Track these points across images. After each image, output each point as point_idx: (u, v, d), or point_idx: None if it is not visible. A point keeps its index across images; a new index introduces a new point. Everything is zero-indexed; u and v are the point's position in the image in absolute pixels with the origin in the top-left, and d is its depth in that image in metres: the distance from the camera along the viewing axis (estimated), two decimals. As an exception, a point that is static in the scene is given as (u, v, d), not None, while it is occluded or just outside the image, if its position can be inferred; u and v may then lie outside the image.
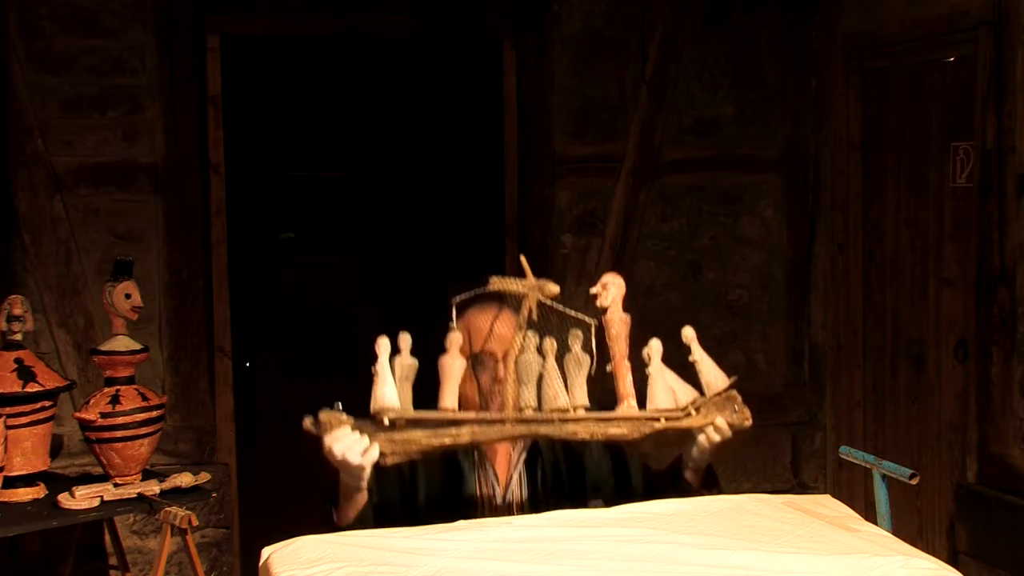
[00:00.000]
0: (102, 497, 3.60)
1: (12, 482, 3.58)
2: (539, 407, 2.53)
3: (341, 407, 2.48)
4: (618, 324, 2.63)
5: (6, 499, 3.56)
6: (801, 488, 4.97)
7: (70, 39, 4.20)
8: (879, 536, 2.53)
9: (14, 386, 3.57)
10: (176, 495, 3.66)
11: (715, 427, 2.62)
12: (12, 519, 3.47)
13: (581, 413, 2.56)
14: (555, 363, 2.56)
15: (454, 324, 2.52)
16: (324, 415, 2.47)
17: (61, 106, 4.21)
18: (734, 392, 2.69)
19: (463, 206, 4.93)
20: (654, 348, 2.65)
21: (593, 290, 2.59)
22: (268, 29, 4.47)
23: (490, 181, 4.82)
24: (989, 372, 4.03)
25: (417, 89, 4.74)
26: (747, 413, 2.67)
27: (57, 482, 3.74)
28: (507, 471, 2.79)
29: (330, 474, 2.60)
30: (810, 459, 5.06)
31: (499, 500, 2.76)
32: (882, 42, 4.60)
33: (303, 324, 4.79)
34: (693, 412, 2.65)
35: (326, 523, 2.69)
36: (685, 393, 2.67)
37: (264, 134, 4.64)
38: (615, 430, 2.59)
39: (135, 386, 3.76)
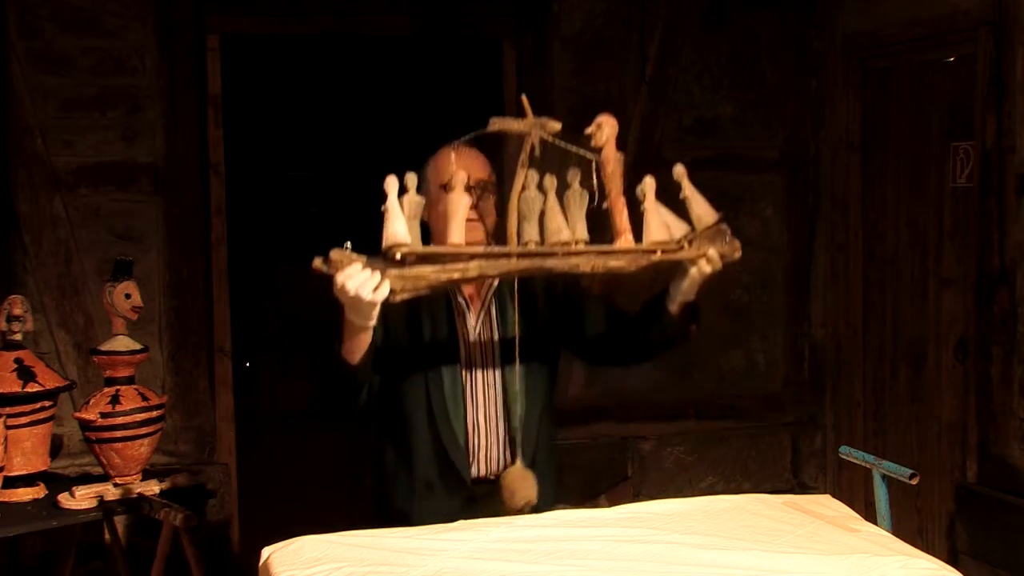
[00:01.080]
0: (102, 497, 3.61)
1: (12, 482, 3.58)
2: (542, 242, 2.63)
3: (351, 246, 2.51)
4: (613, 162, 2.71)
5: (6, 499, 3.56)
6: (801, 488, 4.97)
7: (70, 39, 4.20)
8: (879, 536, 2.53)
9: (14, 386, 3.57)
10: (176, 495, 3.67)
11: (707, 258, 2.78)
12: (12, 519, 3.47)
13: (582, 247, 2.66)
14: (556, 199, 2.65)
15: (454, 164, 2.64)
16: (335, 253, 2.49)
17: (61, 106, 4.21)
18: (724, 226, 2.81)
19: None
20: (648, 185, 2.77)
21: (588, 130, 2.68)
22: (268, 29, 4.47)
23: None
24: (989, 372, 4.03)
25: (417, 89, 4.73)
26: (737, 244, 2.81)
27: (57, 482, 3.74)
28: (479, 300, 2.95)
29: (337, 313, 2.64)
30: (810, 459, 5.06)
31: (472, 323, 2.93)
32: (882, 42, 4.60)
33: (303, 324, 4.78)
34: (686, 245, 2.78)
35: (334, 361, 2.76)
36: (678, 228, 2.79)
37: (264, 134, 4.64)
38: (615, 262, 2.70)
39: (135, 386, 3.76)
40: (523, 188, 2.63)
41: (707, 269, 2.78)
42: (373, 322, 2.60)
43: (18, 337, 3.68)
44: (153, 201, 4.33)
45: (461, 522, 2.66)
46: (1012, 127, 3.92)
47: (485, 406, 2.93)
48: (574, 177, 2.69)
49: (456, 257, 2.58)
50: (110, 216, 4.29)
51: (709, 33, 4.83)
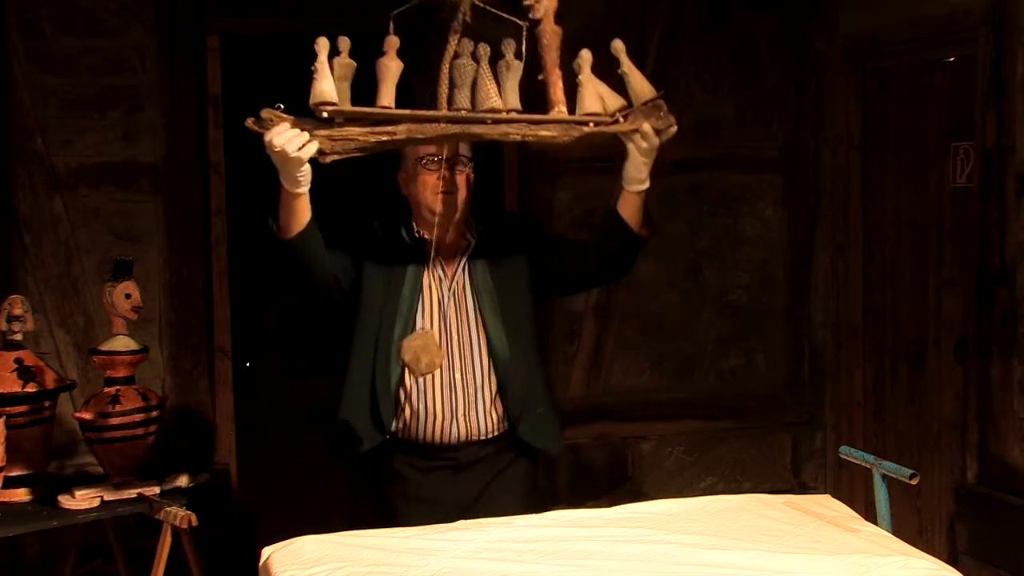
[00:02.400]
0: (102, 497, 3.61)
1: (12, 482, 3.59)
2: (472, 110, 2.67)
3: (282, 107, 2.57)
4: (550, 35, 2.75)
5: (6, 499, 3.57)
6: (801, 488, 4.96)
7: (70, 39, 4.20)
8: (879, 536, 2.54)
9: (14, 386, 3.58)
10: (176, 495, 3.67)
11: (641, 132, 2.80)
12: (12, 519, 3.48)
13: (513, 115, 2.69)
14: (489, 68, 2.69)
15: (391, 30, 2.68)
16: (266, 112, 2.57)
17: (61, 106, 4.21)
18: (660, 102, 2.83)
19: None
20: (584, 58, 2.80)
21: (526, 1, 2.72)
22: (268, 29, 4.46)
23: (490, 181, 4.81)
24: (989, 372, 4.03)
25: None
26: (672, 120, 2.84)
27: (57, 482, 3.74)
28: (452, 264, 3.03)
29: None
30: (810, 459, 5.06)
31: (446, 288, 3.00)
32: (882, 42, 4.59)
33: (303, 324, 4.78)
34: (620, 119, 2.80)
35: (268, 235, 2.83)
36: (614, 102, 2.81)
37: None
38: (545, 132, 2.72)
39: (135, 386, 3.76)
40: (455, 55, 2.65)
41: (642, 144, 2.80)
42: (302, 187, 2.69)
43: (18, 337, 3.69)
44: (153, 201, 4.33)
45: (462, 522, 2.67)
46: (1012, 127, 3.91)
47: (462, 369, 2.96)
48: (508, 48, 2.71)
49: (385, 119, 2.61)
50: (110, 216, 4.29)
51: (709, 33, 4.82)
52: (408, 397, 2.95)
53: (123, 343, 3.74)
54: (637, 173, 2.90)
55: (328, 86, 2.56)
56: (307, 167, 2.64)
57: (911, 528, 4.41)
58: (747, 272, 4.96)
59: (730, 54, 4.85)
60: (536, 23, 2.73)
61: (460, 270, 3.02)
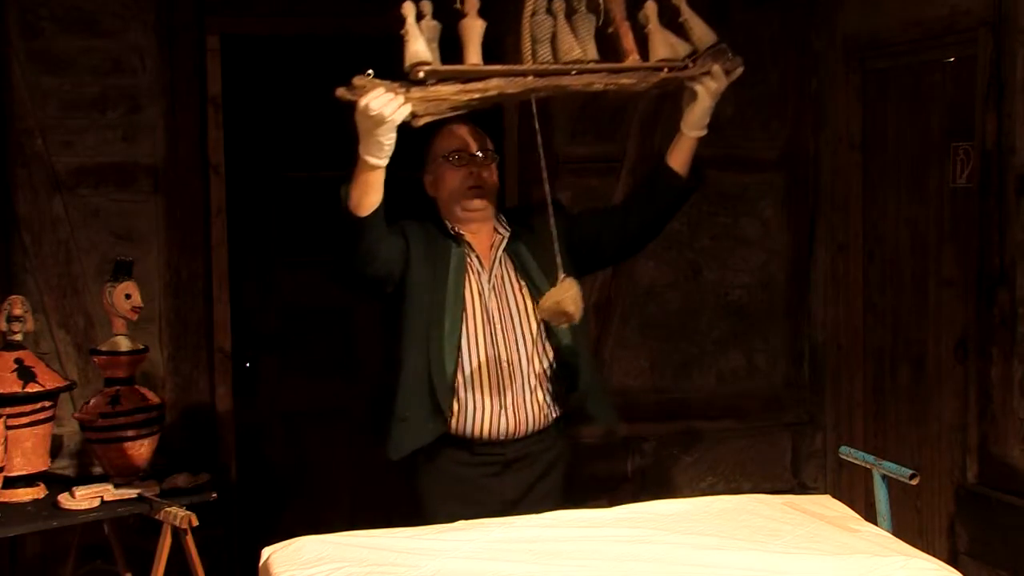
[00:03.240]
0: (102, 497, 3.62)
1: (12, 482, 3.59)
2: (555, 62, 2.75)
3: (372, 73, 2.59)
4: None
5: (6, 499, 3.57)
6: (801, 488, 4.96)
7: (70, 39, 4.20)
8: (879, 536, 2.54)
9: (14, 386, 3.58)
10: (176, 495, 3.67)
11: (712, 73, 2.92)
12: (12, 519, 3.48)
13: (594, 65, 2.79)
14: (566, 21, 2.78)
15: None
16: (358, 79, 2.59)
17: (61, 106, 4.21)
18: (724, 45, 2.96)
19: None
20: (650, 8, 2.92)
21: None
22: (268, 29, 4.46)
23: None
24: (989, 372, 4.03)
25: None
26: (739, 60, 2.97)
27: (57, 482, 3.75)
28: (489, 258, 3.06)
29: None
30: (810, 459, 5.06)
31: (485, 281, 3.03)
32: (882, 42, 4.59)
33: (303, 324, 4.78)
34: (691, 63, 2.92)
35: (342, 213, 2.78)
36: (682, 48, 2.93)
37: (264, 135, 4.64)
38: (626, 80, 2.84)
39: (135, 386, 3.77)
40: (532, 12, 2.73)
41: (713, 85, 2.92)
42: (384, 158, 2.66)
43: (18, 337, 3.69)
44: (153, 201, 4.33)
45: (462, 522, 2.67)
46: (1012, 128, 3.91)
47: (508, 360, 2.98)
48: (580, 1, 2.80)
49: (476, 76, 2.67)
50: (110, 217, 4.29)
51: (710, 33, 4.82)
52: (459, 391, 2.97)
53: (123, 343, 3.74)
54: (702, 117, 3.00)
55: (421, 47, 2.60)
56: (393, 137, 2.64)
57: (911, 528, 4.40)
58: (747, 272, 4.96)
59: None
60: None
61: (497, 263, 3.05)
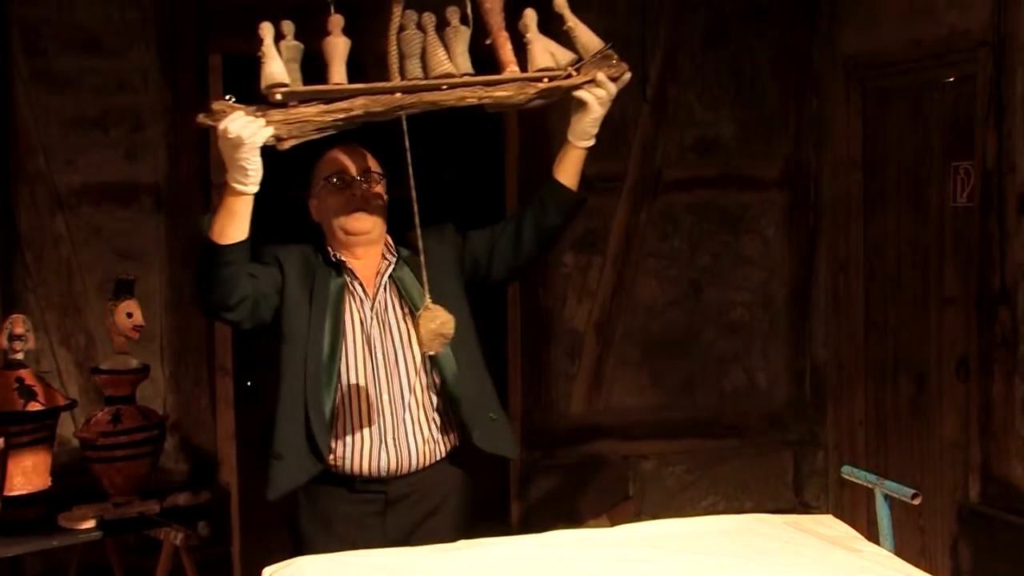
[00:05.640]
0: (102, 516, 3.60)
1: (13, 501, 3.57)
2: (425, 78, 2.62)
3: (233, 98, 2.52)
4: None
5: (7, 518, 3.55)
6: (803, 507, 4.95)
7: (73, 58, 4.20)
8: (881, 556, 2.53)
9: (15, 405, 3.57)
10: (176, 514, 3.66)
11: (596, 82, 2.76)
12: (13, 538, 3.46)
13: (467, 79, 2.66)
14: (436, 35, 2.66)
15: (332, 9, 2.62)
16: (216, 104, 2.51)
17: (63, 125, 4.21)
18: (610, 51, 2.80)
19: (464, 225, 4.91)
20: (529, 16, 2.78)
21: None
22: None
23: (491, 200, 4.82)
24: (991, 391, 4.02)
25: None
26: (625, 67, 2.80)
27: (58, 501, 3.73)
28: (373, 285, 2.90)
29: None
30: (812, 478, 5.05)
31: (368, 309, 2.88)
32: (882, 62, 4.60)
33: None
34: (573, 72, 2.76)
35: (201, 238, 2.72)
36: (564, 56, 2.78)
37: (265, 153, 4.62)
38: (501, 92, 2.69)
39: (136, 405, 3.76)
40: (401, 28, 2.62)
41: (599, 93, 2.77)
42: (251, 184, 2.62)
43: (20, 356, 3.68)
44: (155, 220, 4.33)
45: (463, 541, 2.65)
46: (1012, 146, 3.92)
47: (390, 392, 2.85)
48: (453, 14, 2.69)
49: (339, 95, 2.57)
50: (112, 235, 4.29)
51: (710, 52, 4.83)
52: (338, 425, 2.84)
53: (124, 362, 3.73)
54: (591, 127, 2.84)
55: (278, 68, 2.52)
56: (258, 162, 2.57)
57: (914, 548, 4.39)
58: (748, 290, 4.96)
59: (731, 73, 4.86)
60: None
61: (382, 290, 2.90)
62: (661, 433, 4.86)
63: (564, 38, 2.79)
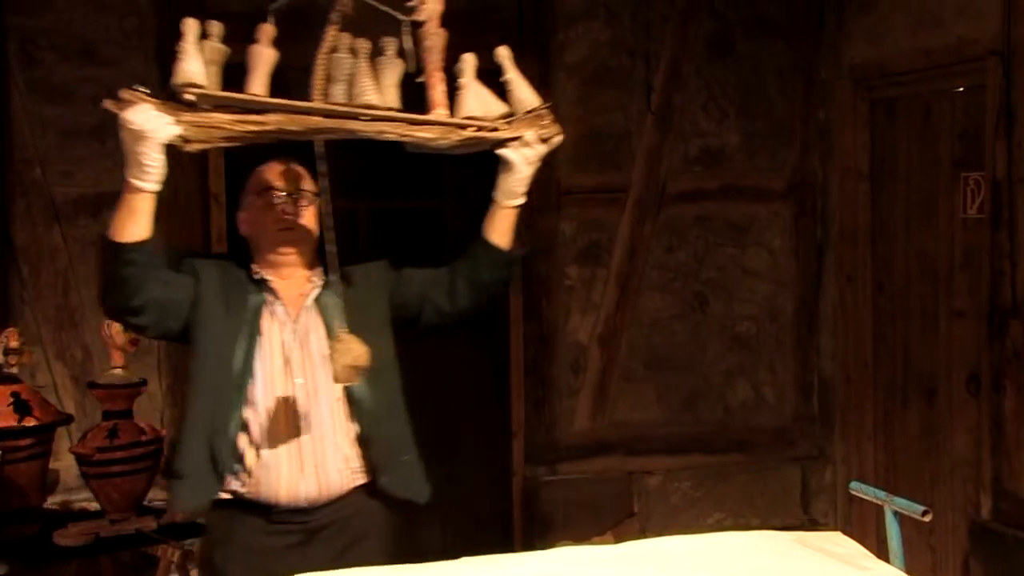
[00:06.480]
0: (98, 533, 3.58)
1: (7, 518, 3.56)
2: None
3: (146, 88, 2.44)
4: (433, 36, 2.63)
5: (1, 536, 3.52)
6: (811, 524, 4.91)
7: (70, 69, 4.19)
8: (891, 574, 2.48)
9: (10, 420, 3.56)
10: (173, 531, 3.62)
11: (524, 140, 2.68)
12: (7, 556, 3.44)
13: (392, 113, 2.58)
14: (368, 63, 2.58)
15: (269, 16, 2.54)
16: (126, 92, 2.43)
17: (61, 136, 4.20)
18: (545, 110, 2.73)
19: (467, 236, 4.88)
20: (467, 61, 2.70)
21: (410, 3, 2.61)
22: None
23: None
24: (1002, 406, 3.98)
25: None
26: (557, 128, 2.72)
27: (53, 518, 3.70)
28: (297, 307, 2.77)
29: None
30: (820, 494, 5.00)
31: (289, 332, 2.75)
32: (890, 72, 4.58)
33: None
34: (502, 126, 2.68)
35: (102, 237, 2.62)
36: (497, 108, 2.70)
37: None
38: (423, 133, 2.61)
39: (133, 419, 3.73)
40: (333, 49, 2.54)
41: (525, 152, 2.69)
42: (150, 182, 2.54)
43: (15, 370, 3.67)
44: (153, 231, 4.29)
45: (464, 559, 2.60)
46: (1022, 157, 3.88)
47: (307, 418, 2.71)
48: (389, 45, 2.61)
49: (254, 107, 2.49)
50: (109, 247, 4.26)
51: (715, 62, 4.81)
52: (250, 449, 2.70)
53: (121, 376, 3.71)
54: (517, 186, 2.75)
55: (194, 67, 2.45)
56: (160, 159, 2.49)
57: (924, 566, 4.35)
58: (754, 304, 4.93)
59: (737, 83, 4.84)
60: (421, 24, 2.62)
61: (305, 312, 2.77)
62: (666, 448, 4.83)
63: (504, 89, 2.72)
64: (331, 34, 2.54)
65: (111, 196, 4.18)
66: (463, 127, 2.64)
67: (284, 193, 2.79)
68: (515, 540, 4.67)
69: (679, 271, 4.82)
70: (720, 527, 4.72)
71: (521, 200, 2.78)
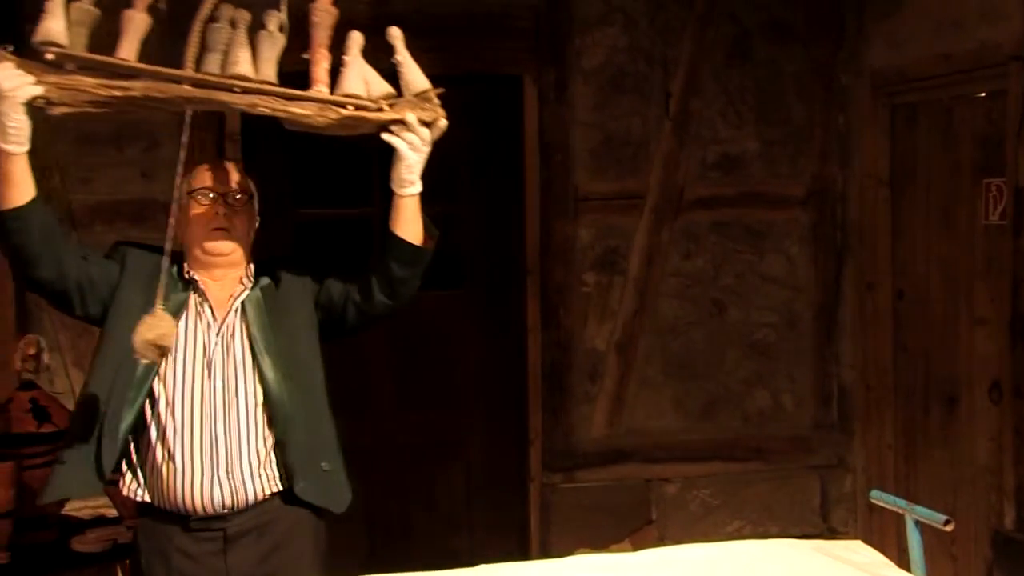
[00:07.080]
0: (115, 540, 3.57)
1: (25, 524, 3.55)
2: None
3: (12, 49, 2.36)
4: (322, 12, 2.57)
5: (19, 542, 3.52)
6: (831, 533, 4.88)
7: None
8: (914, 585, 2.45)
9: (29, 426, 3.55)
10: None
11: (406, 122, 2.60)
12: (25, 562, 3.43)
13: (265, 87, 2.51)
14: (246, 35, 2.51)
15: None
16: None
17: (78, 143, 4.20)
18: (431, 93, 2.64)
19: (484, 243, 4.88)
20: (354, 39, 2.61)
21: None
22: (286, 66, 4.43)
23: (511, 218, 4.78)
24: (1025, 414, 3.95)
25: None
26: (441, 112, 2.64)
27: (70, 525, 3.69)
28: (224, 309, 2.74)
29: None
30: (839, 503, 4.97)
31: (213, 334, 2.71)
32: (910, 77, 4.55)
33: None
34: (385, 107, 2.60)
35: None
36: (379, 88, 2.61)
37: (283, 171, 4.61)
38: (299, 109, 2.53)
39: (149, 426, 3.72)
40: (210, 18, 2.48)
41: (408, 136, 2.61)
42: (15, 144, 2.46)
43: (33, 377, 3.66)
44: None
45: (481, 566, 2.59)
46: (1045, 163, 3.86)
47: (226, 421, 2.67)
48: (272, 19, 2.56)
49: (120, 71, 2.42)
50: (127, 254, 4.27)
51: (734, 68, 4.79)
52: (162, 452, 2.66)
53: (138, 382, 3.70)
54: (407, 173, 2.67)
55: (57, 26, 2.35)
56: (23, 119, 2.41)
57: (946, 576, 4.31)
58: (773, 311, 4.90)
59: (755, 89, 4.82)
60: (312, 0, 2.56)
61: (232, 314, 2.73)
62: (684, 456, 4.81)
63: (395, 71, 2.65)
64: (209, 2, 2.48)
65: (128, 203, 4.26)
66: (341, 105, 2.57)
67: (214, 194, 2.76)
68: (532, 547, 4.64)
69: (697, 278, 4.80)
70: (739, 535, 4.70)
71: (415, 189, 2.70)
